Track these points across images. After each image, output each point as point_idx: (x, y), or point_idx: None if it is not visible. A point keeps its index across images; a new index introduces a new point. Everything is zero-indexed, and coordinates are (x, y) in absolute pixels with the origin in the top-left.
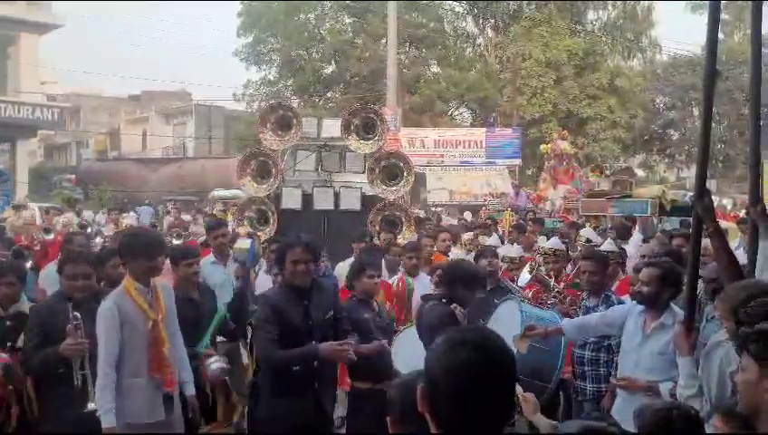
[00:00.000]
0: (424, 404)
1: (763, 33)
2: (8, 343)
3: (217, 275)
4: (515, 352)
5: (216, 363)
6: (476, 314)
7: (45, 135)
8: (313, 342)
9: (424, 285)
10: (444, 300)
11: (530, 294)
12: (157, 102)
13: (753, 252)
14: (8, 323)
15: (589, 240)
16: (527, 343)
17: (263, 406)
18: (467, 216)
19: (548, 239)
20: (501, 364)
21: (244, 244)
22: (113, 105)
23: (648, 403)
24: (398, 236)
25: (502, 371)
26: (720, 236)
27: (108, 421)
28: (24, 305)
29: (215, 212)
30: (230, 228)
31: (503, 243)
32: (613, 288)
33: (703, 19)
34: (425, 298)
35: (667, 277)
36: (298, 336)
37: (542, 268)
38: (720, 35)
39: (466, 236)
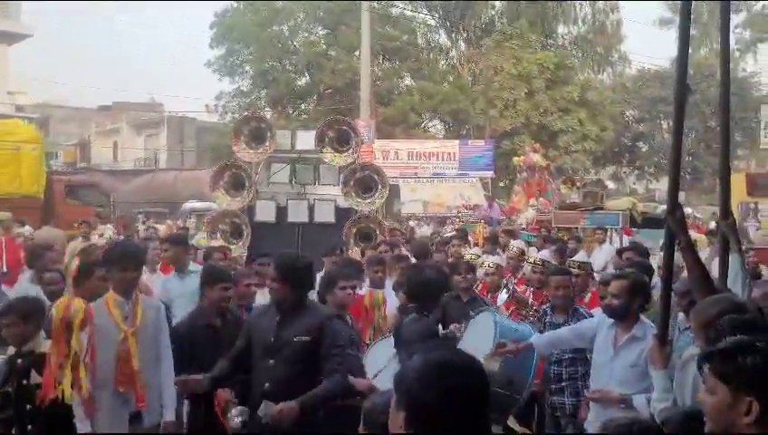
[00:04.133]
0: (408, 430)
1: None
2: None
3: (175, 288)
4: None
5: (238, 418)
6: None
7: None
8: (271, 361)
9: (392, 296)
10: (425, 313)
11: (508, 313)
12: (128, 113)
13: (723, 265)
14: (19, 361)
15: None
16: (498, 361)
17: None
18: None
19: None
20: (486, 385)
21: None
22: (83, 116)
23: (612, 418)
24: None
25: (486, 391)
26: (692, 250)
27: (82, 428)
28: (43, 344)
29: (187, 225)
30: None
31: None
32: (586, 300)
33: (670, 34)
34: (402, 310)
35: (635, 288)
36: (261, 352)
37: (518, 287)
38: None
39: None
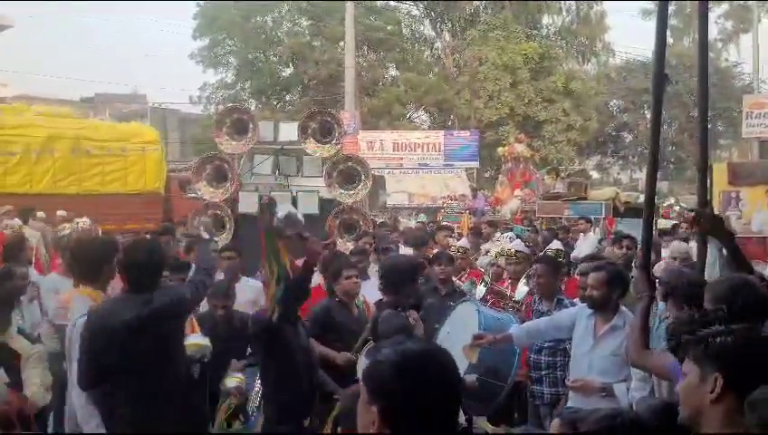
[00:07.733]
0: (384, 426)
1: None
2: None
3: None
4: (467, 362)
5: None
6: (433, 319)
7: None
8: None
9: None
10: (398, 308)
11: (488, 305)
12: (110, 105)
13: (702, 255)
14: None
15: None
16: (477, 352)
17: None
18: (422, 217)
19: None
20: (459, 377)
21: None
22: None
23: (592, 410)
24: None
25: (459, 383)
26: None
27: (89, 429)
28: (13, 340)
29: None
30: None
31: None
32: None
33: (653, 25)
34: (378, 306)
35: (613, 280)
36: None
37: (488, 278)
38: (669, 40)
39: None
